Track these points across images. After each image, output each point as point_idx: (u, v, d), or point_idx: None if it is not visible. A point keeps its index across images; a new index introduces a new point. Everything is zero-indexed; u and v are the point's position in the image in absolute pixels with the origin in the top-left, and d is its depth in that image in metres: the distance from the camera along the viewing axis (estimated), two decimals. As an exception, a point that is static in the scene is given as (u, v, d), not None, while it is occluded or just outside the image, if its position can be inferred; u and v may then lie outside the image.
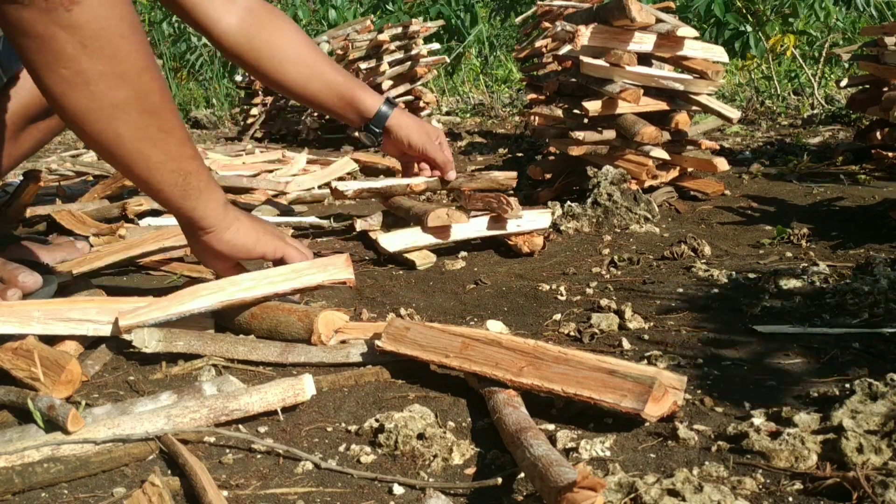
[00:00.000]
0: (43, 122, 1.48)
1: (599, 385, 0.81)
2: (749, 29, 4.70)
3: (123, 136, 0.95)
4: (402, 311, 1.22)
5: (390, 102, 1.48)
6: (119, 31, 0.90)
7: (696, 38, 1.83)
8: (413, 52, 3.53)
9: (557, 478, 0.61)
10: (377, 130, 1.47)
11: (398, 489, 0.74)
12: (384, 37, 3.49)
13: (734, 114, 1.90)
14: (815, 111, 3.27)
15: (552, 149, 2.13)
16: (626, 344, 1.07)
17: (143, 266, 1.55)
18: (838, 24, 4.67)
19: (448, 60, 4.12)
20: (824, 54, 3.71)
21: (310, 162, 2.76)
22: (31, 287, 1.14)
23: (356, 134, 1.65)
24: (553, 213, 1.70)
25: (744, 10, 4.75)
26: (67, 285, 1.29)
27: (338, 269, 1.15)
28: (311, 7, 6.45)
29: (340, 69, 1.49)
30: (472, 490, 0.73)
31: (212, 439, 0.84)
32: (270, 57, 1.37)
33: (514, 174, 1.67)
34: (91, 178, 2.73)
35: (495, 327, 1.12)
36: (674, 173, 1.95)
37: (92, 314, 1.06)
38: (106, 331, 1.06)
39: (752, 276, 1.33)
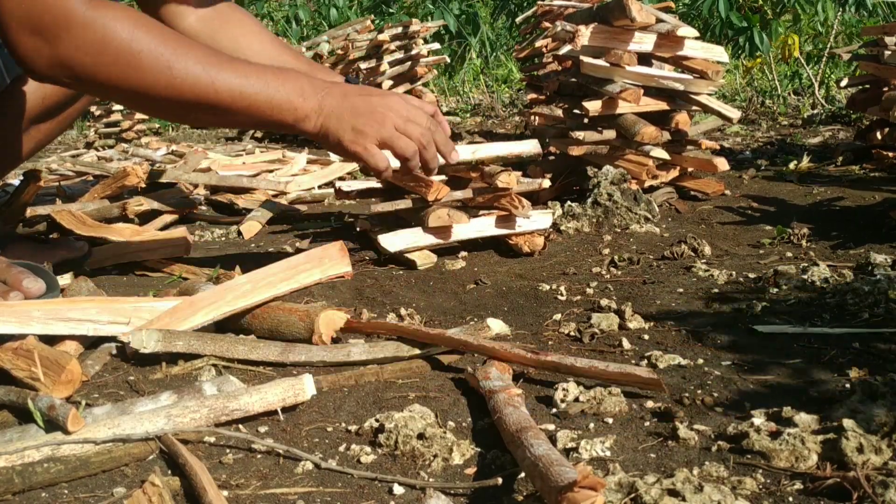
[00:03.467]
0: (44, 123, 1.48)
1: None
2: (747, 25, 4.70)
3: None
4: (403, 311, 1.22)
5: (350, 81, 1.40)
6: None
7: (696, 38, 1.83)
8: (413, 52, 3.53)
9: (558, 477, 0.61)
10: None
11: (398, 489, 0.73)
12: (384, 37, 3.49)
13: (734, 114, 1.90)
14: (816, 111, 3.27)
15: (552, 149, 2.14)
16: (626, 344, 1.07)
17: (143, 266, 1.55)
18: (844, 22, 4.67)
19: (448, 60, 4.12)
20: (825, 54, 3.71)
21: (310, 162, 2.76)
22: (35, 293, 1.14)
23: None
24: (553, 213, 1.70)
25: (747, 10, 4.76)
26: (69, 286, 1.29)
27: (333, 262, 1.14)
28: (311, 7, 6.45)
29: (302, 58, 1.47)
30: (472, 490, 0.73)
31: (212, 439, 0.84)
32: (234, 52, 1.35)
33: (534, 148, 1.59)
34: (91, 178, 2.73)
35: (495, 326, 1.12)
36: (674, 173, 1.95)
37: (92, 314, 1.06)
38: (106, 331, 1.06)
39: (752, 276, 1.32)
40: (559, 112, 2.07)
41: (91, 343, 1.10)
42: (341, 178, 2.46)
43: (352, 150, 1.13)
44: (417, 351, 1.03)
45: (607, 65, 1.81)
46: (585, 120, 1.90)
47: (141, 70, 1.00)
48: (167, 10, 1.30)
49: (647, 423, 0.85)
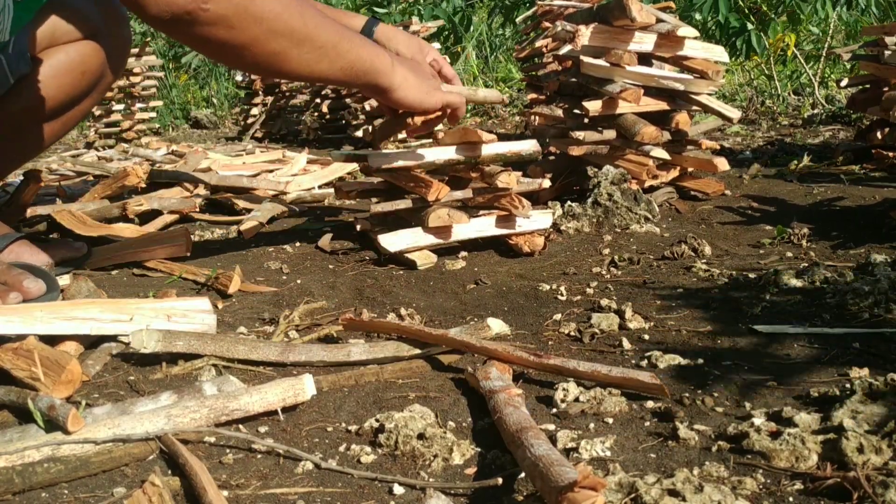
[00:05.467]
0: (48, 123, 1.48)
1: None
2: (750, 27, 4.70)
3: (294, 66, 1.15)
4: (403, 311, 1.22)
5: (375, 20, 1.52)
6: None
7: (696, 38, 1.83)
8: (413, 52, 3.52)
9: (558, 477, 0.61)
10: None
11: (398, 489, 0.73)
12: (384, 37, 3.48)
13: (734, 114, 1.90)
14: (816, 111, 3.27)
15: (552, 149, 2.13)
16: (626, 344, 1.07)
17: (142, 266, 1.55)
18: (841, 23, 4.67)
19: (448, 60, 4.13)
20: (824, 54, 3.71)
21: (310, 162, 2.76)
22: (35, 293, 1.14)
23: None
24: (553, 213, 1.70)
25: (746, 10, 4.75)
26: (68, 286, 1.29)
27: None
28: None
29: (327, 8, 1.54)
30: (472, 490, 0.73)
31: (212, 439, 0.84)
32: None
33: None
34: (91, 178, 2.73)
35: (496, 325, 1.12)
36: (674, 173, 1.95)
37: (95, 313, 1.06)
38: (109, 329, 1.06)
39: (752, 276, 1.32)
40: (559, 112, 2.07)
41: (91, 343, 1.10)
42: (341, 179, 2.46)
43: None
44: (417, 351, 1.03)
45: (607, 65, 1.81)
46: (585, 120, 1.90)
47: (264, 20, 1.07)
48: None
49: (647, 423, 0.85)
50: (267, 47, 1.10)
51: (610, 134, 1.86)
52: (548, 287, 1.33)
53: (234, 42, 1.07)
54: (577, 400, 0.88)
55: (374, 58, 1.23)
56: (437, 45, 3.79)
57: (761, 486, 0.71)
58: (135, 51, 4.32)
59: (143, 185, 1.96)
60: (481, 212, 1.59)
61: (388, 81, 1.25)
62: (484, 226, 1.57)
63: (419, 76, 1.31)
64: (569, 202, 1.77)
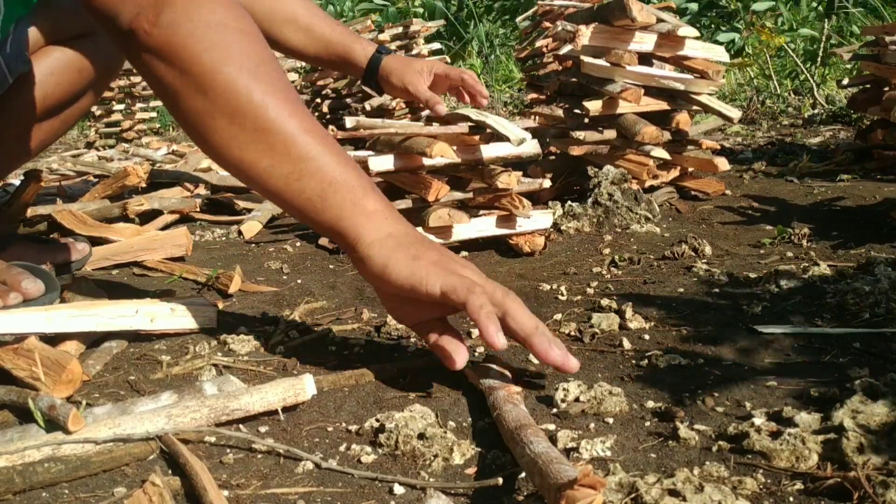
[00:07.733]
0: (47, 122, 1.48)
1: None
2: (739, 29, 4.70)
3: (215, 146, 0.87)
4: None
5: (382, 50, 1.61)
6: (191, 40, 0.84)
7: (696, 38, 1.83)
8: (414, 52, 3.53)
9: (558, 475, 0.61)
10: (373, 83, 1.64)
11: (399, 489, 0.74)
12: (385, 36, 3.49)
13: (735, 113, 1.90)
14: (816, 111, 3.27)
15: (553, 149, 2.14)
16: (626, 344, 1.07)
17: (143, 266, 1.55)
18: (838, 23, 4.67)
19: (449, 60, 4.13)
20: (823, 54, 3.71)
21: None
22: (34, 294, 1.14)
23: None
24: (554, 213, 1.70)
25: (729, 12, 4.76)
26: (68, 286, 1.29)
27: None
28: None
29: (336, 25, 1.60)
30: (472, 490, 0.73)
31: (212, 439, 0.84)
32: (270, 23, 1.50)
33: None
34: (92, 178, 2.73)
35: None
36: (675, 173, 1.95)
37: (95, 313, 1.06)
38: (111, 326, 1.07)
39: (752, 276, 1.32)
40: (559, 112, 2.07)
41: (93, 343, 1.10)
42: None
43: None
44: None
45: (608, 65, 1.81)
46: (586, 120, 1.90)
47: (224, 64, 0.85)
48: None
49: (647, 423, 0.85)
50: (189, 103, 0.85)
51: (610, 134, 1.86)
52: (548, 287, 1.33)
53: (170, 84, 0.85)
54: (577, 400, 0.88)
55: (354, 215, 0.92)
56: (437, 44, 3.79)
57: (762, 486, 0.71)
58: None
59: (144, 185, 1.96)
60: (482, 212, 1.59)
61: (360, 252, 0.92)
62: (484, 226, 1.57)
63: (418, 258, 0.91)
64: (569, 202, 1.77)
